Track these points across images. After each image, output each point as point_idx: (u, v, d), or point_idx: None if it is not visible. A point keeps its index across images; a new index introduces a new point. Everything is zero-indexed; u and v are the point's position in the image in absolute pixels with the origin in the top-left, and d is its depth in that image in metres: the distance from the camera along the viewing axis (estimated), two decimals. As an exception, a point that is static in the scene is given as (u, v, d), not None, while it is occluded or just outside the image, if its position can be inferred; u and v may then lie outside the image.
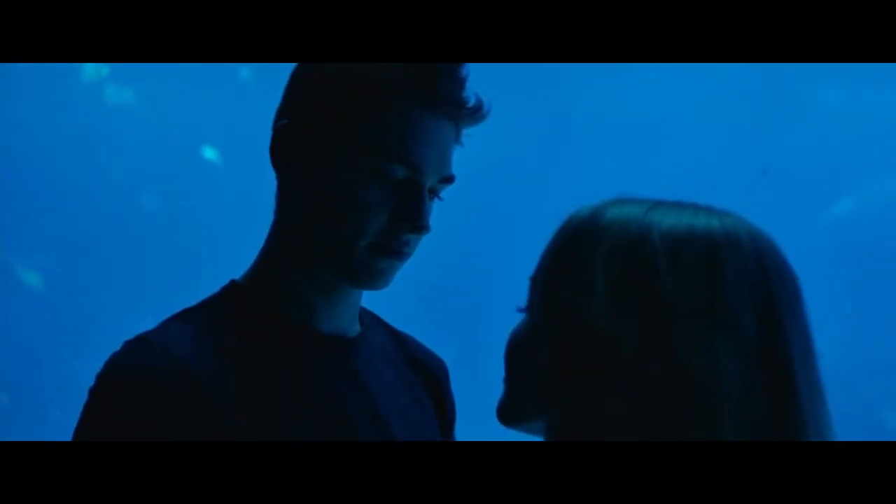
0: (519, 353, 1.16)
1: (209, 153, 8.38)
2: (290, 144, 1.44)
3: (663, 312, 1.04)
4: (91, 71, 7.98)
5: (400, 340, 1.62)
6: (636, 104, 8.37)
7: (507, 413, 1.17)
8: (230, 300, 1.47)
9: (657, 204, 1.10)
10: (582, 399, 1.07)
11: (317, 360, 1.45)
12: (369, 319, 1.58)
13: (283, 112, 1.46)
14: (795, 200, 8.56)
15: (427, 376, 1.61)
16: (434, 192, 1.45)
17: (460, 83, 1.43)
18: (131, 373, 1.35)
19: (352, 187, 1.39)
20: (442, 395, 1.63)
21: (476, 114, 1.45)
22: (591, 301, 1.07)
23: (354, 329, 1.52)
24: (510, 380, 1.17)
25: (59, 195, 8.03)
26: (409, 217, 1.41)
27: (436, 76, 1.41)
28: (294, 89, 1.47)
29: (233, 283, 1.50)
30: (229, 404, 1.35)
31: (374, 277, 1.43)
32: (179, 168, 8.33)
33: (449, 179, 1.46)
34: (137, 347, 1.37)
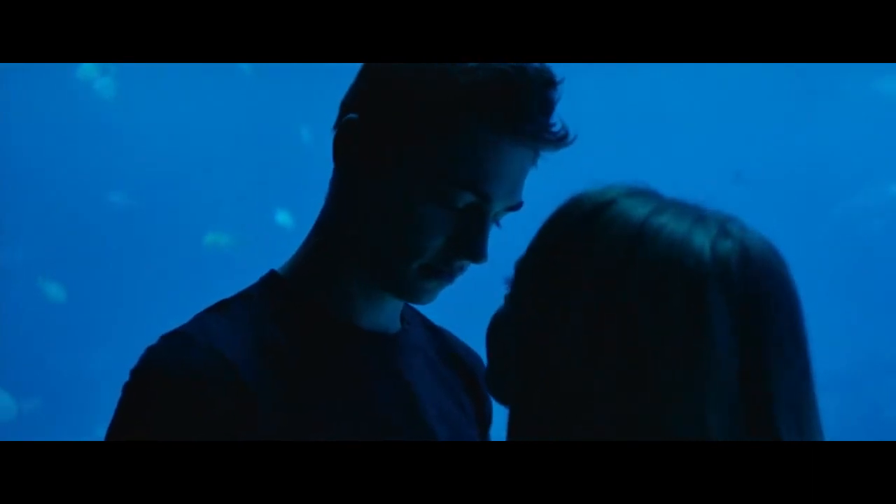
0: (497, 335, 1.12)
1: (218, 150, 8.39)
2: (355, 142, 1.36)
3: (641, 350, 0.99)
4: (88, 68, 7.94)
5: (439, 336, 1.57)
6: (669, 99, 8.38)
7: (488, 385, 1.17)
8: (270, 292, 1.41)
9: (662, 208, 1.04)
10: (548, 409, 1.03)
11: (359, 359, 1.40)
12: (410, 315, 1.52)
13: (353, 105, 1.38)
14: (810, 196, 8.55)
15: (465, 374, 1.55)
16: (497, 217, 1.39)
17: (549, 109, 1.33)
18: (172, 367, 1.30)
19: (414, 206, 1.33)
20: (480, 393, 1.56)
21: (560, 142, 1.35)
22: (568, 314, 1.02)
23: (396, 326, 1.47)
24: (489, 358, 1.15)
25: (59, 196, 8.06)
26: (469, 246, 1.35)
27: (524, 99, 1.30)
28: (367, 84, 1.38)
29: (272, 273, 1.44)
30: (270, 401, 1.31)
31: (419, 296, 1.40)
32: (183, 166, 8.33)
33: (516, 207, 1.39)
34: (177, 342, 1.33)
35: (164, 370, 1.31)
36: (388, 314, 1.45)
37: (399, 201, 1.34)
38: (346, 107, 1.39)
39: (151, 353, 1.33)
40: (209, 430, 1.28)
